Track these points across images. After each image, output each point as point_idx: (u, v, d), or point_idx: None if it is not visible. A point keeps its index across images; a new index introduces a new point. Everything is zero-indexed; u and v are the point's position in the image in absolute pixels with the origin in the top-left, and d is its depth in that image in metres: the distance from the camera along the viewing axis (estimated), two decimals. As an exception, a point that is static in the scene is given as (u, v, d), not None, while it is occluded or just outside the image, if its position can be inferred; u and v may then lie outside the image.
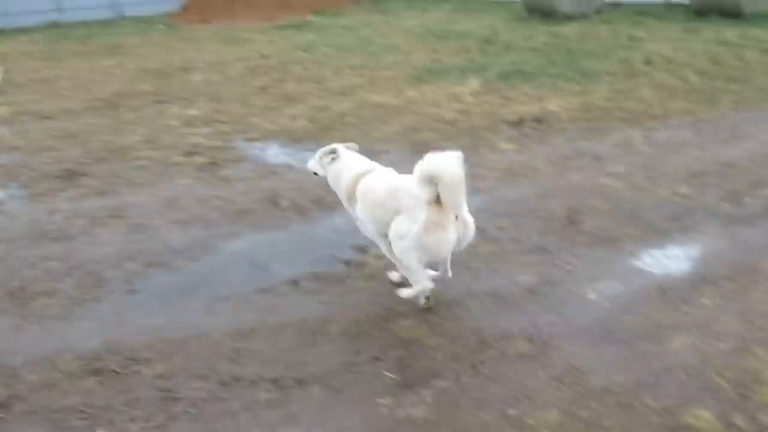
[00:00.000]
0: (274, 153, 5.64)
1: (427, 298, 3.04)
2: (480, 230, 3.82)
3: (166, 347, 2.90)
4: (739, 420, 2.30)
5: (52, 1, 16.80)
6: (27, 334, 3.07)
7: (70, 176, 5.25)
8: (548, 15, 11.62)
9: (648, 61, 8.04)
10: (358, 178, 3.19)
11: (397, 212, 2.90)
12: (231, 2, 17.03)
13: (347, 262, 3.59)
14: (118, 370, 2.75)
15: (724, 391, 2.46)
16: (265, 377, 2.67)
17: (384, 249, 3.18)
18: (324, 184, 3.60)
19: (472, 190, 4.41)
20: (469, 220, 2.93)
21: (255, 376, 2.68)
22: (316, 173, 3.56)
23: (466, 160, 5.04)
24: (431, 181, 2.73)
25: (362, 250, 3.69)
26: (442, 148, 5.26)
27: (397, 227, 2.87)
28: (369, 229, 3.20)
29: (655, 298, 3.14)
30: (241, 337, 2.95)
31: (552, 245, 3.67)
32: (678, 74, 7.45)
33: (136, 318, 3.17)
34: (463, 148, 5.26)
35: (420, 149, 5.37)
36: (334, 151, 3.41)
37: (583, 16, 11.36)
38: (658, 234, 3.78)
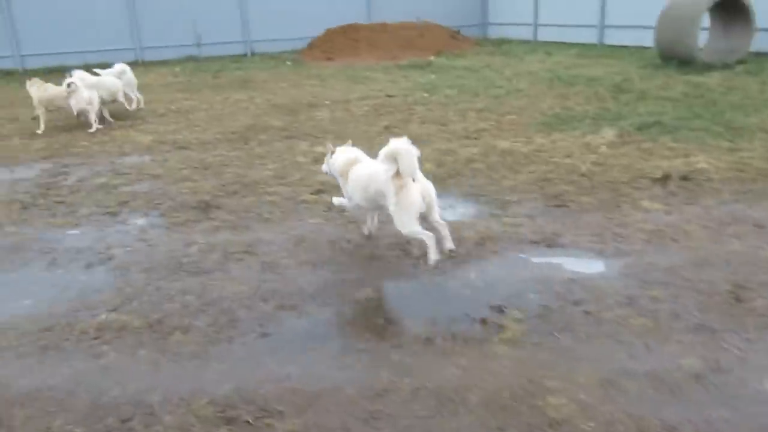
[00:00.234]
0: (402, 196, 5.53)
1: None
2: (629, 299, 3.53)
3: (298, 400, 2.79)
4: None
5: (191, 36, 17.97)
6: (163, 371, 3.07)
7: (205, 208, 5.41)
8: (685, 63, 10.96)
9: (807, 118, 7.32)
10: (349, 164, 4.25)
11: (374, 193, 3.94)
12: (355, 41, 17.51)
13: (484, 322, 3.36)
14: (251, 421, 2.66)
15: None
16: (403, 447, 2.49)
17: (355, 213, 4.60)
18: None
19: (617, 253, 4.13)
20: (425, 180, 3.88)
21: (391, 445, 2.50)
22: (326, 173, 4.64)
23: (607, 217, 4.74)
24: (392, 157, 3.73)
25: (500, 310, 3.47)
26: (579, 203, 5.04)
27: (391, 209, 3.79)
28: (354, 199, 4.21)
29: None
30: (376, 397, 2.80)
31: (717, 324, 3.26)
32: None
33: (269, 364, 3.10)
34: (602, 204, 5.01)
35: (555, 202, 5.15)
36: (332, 151, 4.49)
37: (725, 66, 10.62)
38: None
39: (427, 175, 6.00)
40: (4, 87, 14.43)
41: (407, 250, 4.31)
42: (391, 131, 7.97)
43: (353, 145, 4.55)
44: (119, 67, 9.74)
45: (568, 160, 6.20)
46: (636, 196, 5.19)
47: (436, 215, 3.89)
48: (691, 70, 10.58)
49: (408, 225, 3.75)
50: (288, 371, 3.03)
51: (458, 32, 18.57)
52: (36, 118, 9.08)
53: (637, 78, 10.38)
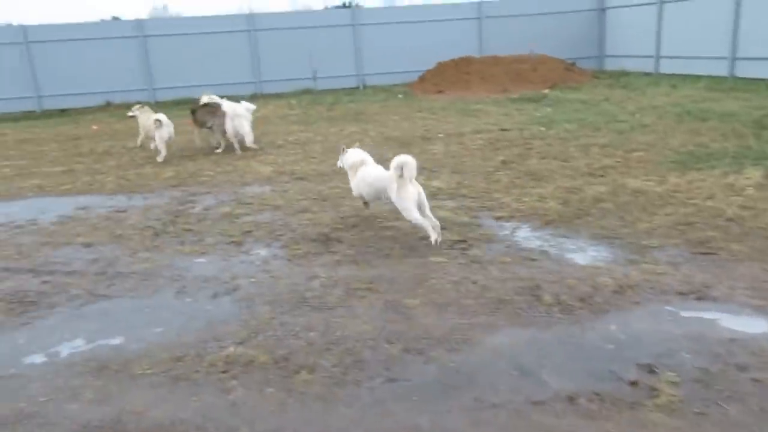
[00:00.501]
0: (526, 236, 5.28)
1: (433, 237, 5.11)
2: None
3: (432, 457, 2.60)
4: None
5: (307, 70, 18.61)
6: (291, 412, 2.98)
7: (325, 241, 5.40)
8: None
9: None
10: (357, 164, 5.77)
11: (377, 189, 5.49)
12: (466, 74, 17.46)
13: (634, 384, 3.03)
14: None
15: None
16: None
17: (362, 202, 6.00)
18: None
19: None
20: (418, 184, 5.14)
21: None
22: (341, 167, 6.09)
23: (765, 268, 4.24)
24: (400, 166, 4.98)
25: (650, 370, 3.12)
26: (730, 251, 4.56)
27: (395, 201, 5.16)
28: (358, 190, 5.79)
29: None
30: (517, 461, 2.55)
31: None
32: None
33: (397, 413, 2.93)
34: (758, 253, 4.49)
35: (701, 249, 4.69)
36: (344, 149, 6.03)
37: None
38: None
39: (553, 213, 5.77)
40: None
41: (538, 295, 4.05)
42: (508, 166, 7.74)
43: (361, 147, 6.15)
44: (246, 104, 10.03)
45: (710, 203, 5.69)
46: (797, 245, 4.64)
47: (428, 211, 5.13)
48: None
49: (410, 212, 5.05)
50: (418, 422, 2.85)
51: (574, 64, 18.07)
52: (144, 147, 10.21)
53: (780, 113, 9.54)
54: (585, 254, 4.78)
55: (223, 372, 3.35)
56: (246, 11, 18.79)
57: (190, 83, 17.72)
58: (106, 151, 10.86)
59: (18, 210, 7.11)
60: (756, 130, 8.57)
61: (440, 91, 16.90)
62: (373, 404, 3.02)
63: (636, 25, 18.23)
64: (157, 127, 9.49)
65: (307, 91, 18.61)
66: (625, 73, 17.52)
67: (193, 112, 10.20)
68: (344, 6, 37.85)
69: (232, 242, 5.54)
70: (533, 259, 4.69)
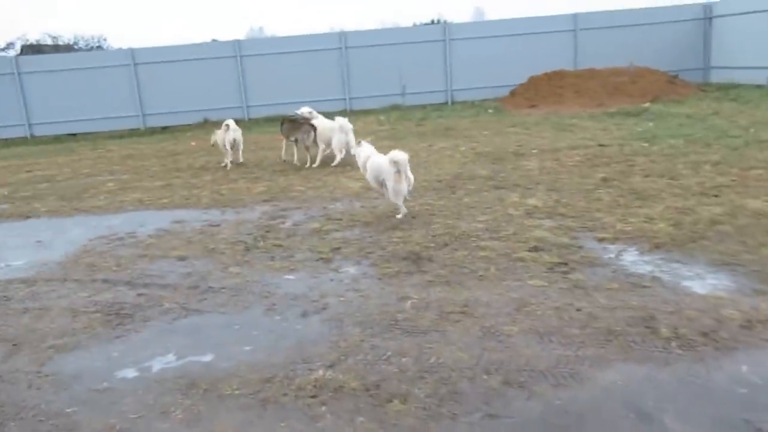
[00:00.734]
0: (634, 260, 4.86)
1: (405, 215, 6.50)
2: None
3: None
4: None
5: (395, 86, 18.64)
6: (383, 445, 2.78)
7: (416, 260, 5.20)
8: None
9: None
10: (366, 157, 6.89)
11: (377, 176, 6.65)
12: (559, 88, 16.89)
13: (776, 438, 2.62)
14: None
15: None
16: None
17: (376, 189, 6.96)
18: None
19: None
20: (411, 176, 6.33)
21: None
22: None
23: None
24: (395, 162, 6.11)
25: (796, 423, 2.69)
26: None
27: (390, 185, 6.32)
28: (368, 179, 6.91)
29: None
30: None
31: None
32: None
33: (499, 454, 2.66)
34: None
35: None
36: (359, 143, 7.32)
37: None
38: None
39: (663, 236, 5.30)
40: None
41: (654, 327, 3.66)
42: (610, 184, 7.28)
43: (371, 143, 7.45)
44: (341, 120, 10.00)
45: None
46: None
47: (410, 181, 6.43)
48: None
49: (396, 199, 6.41)
50: (522, 467, 2.57)
51: (677, 77, 17.08)
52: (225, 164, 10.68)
53: None
54: (704, 282, 4.32)
55: (312, 397, 3.20)
56: (336, 30, 19.05)
57: (282, 101, 18.12)
58: (202, 166, 11.20)
59: (119, 223, 7.37)
60: None
61: (532, 106, 16.42)
62: (472, 443, 2.77)
63: (747, 35, 17.01)
64: (225, 131, 10.36)
65: (395, 107, 18.61)
66: (734, 86, 16.35)
67: (282, 123, 10.39)
68: (433, 22, 37.93)
69: (321, 259, 5.45)
70: (644, 286, 4.29)
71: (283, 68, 18.79)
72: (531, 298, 4.24)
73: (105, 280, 5.27)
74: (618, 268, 4.71)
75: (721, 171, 7.40)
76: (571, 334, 3.67)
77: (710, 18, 18.71)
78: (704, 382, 3.11)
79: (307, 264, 5.35)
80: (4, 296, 5.09)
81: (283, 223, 6.78)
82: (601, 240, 5.37)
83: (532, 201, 6.77)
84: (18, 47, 39.84)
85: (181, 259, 5.73)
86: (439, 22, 35.83)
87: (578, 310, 3.98)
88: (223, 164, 10.76)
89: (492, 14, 65.72)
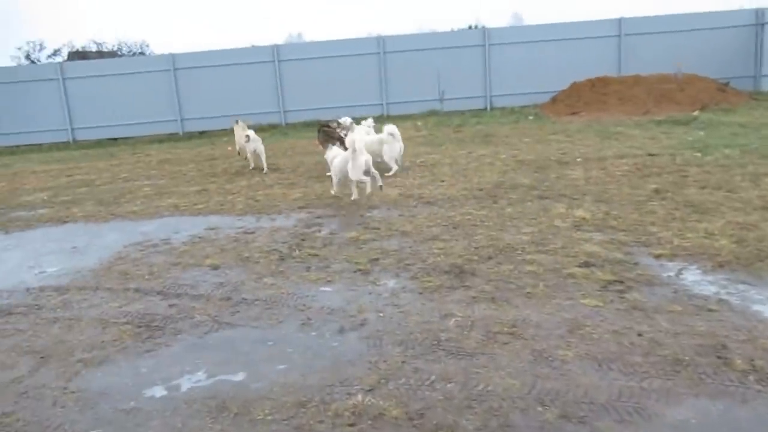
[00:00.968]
0: (696, 279, 4.49)
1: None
2: None
3: None
4: None
5: (433, 91, 18.39)
6: (429, 486, 2.51)
7: (459, 274, 4.92)
8: None
9: None
10: (334, 157, 8.21)
11: (342, 167, 7.83)
12: (603, 95, 16.41)
13: None
14: None
15: None
16: None
17: (341, 182, 8.07)
18: None
19: None
20: (367, 156, 7.69)
21: None
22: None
23: None
24: (352, 144, 7.44)
25: None
26: None
27: (349, 167, 7.62)
28: (337, 174, 8.07)
29: None
30: None
31: None
32: None
33: (559, 502, 2.37)
34: None
35: None
36: (329, 147, 8.76)
37: None
38: None
39: (726, 254, 4.89)
40: (269, 138, 15.91)
41: (726, 358, 3.31)
42: (663, 195, 6.88)
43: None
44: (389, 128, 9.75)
45: None
46: None
47: (370, 170, 7.57)
48: None
49: (356, 175, 7.52)
50: None
51: (727, 84, 16.43)
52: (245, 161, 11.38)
53: None
54: (777, 306, 3.94)
55: (351, 425, 2.95)
56: (373, 35, 18.91)
57: (320, 106, 18.05)
58: (238, 171, 11.11)
59: (154, 229, 7.27)
60: None
61: (574, 113, 15.98)
62: (528, 486, 2.48)
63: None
64: (246, 141, 10.97)
65: (432, 113, 18.36)
66: (789, 93, 15.67)
67: (318, 130, 10.21)
68: (470, 28, 37.55)
69: (359, 270, 5.21)
70: (711, 310, 3.93)
71: (320, 73, 18.72)
72: (585, 319, 3.92)
73: (137, 290, 5.13)
74: (679, 288, 4.35)
75: (785, 183, 6.95)
76: (634, 362, 3.35)
77: (762, 24, 17.99)
78: (790, 423, 2.76)
79: (344, 275, 5.12)
80: (36, 305, 4.98)
81: (319, 231, 6.58)
82: (657, 256, 5.01)
83: (579, 212, 6.43)
84: (65, 54, 40.86)
85: (214, 268, 5.56)
86: (476, 27, 35.45)
87: (639, 334, 3.65)
88: (251, 167, 11.26)
89: (530, 19, 64.95)
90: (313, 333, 4.05)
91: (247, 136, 10.94)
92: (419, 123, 16.37)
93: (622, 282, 4.51)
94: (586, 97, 16.66)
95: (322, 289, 4.86)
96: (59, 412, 3.28)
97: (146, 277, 5.46)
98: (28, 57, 40.58)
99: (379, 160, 9.85)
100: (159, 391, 3.44)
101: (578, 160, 9.51)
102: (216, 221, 7.38)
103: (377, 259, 5.46)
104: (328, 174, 9.67)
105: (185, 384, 3.50)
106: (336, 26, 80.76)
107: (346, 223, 6.81)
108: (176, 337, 4.13)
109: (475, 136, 13.45)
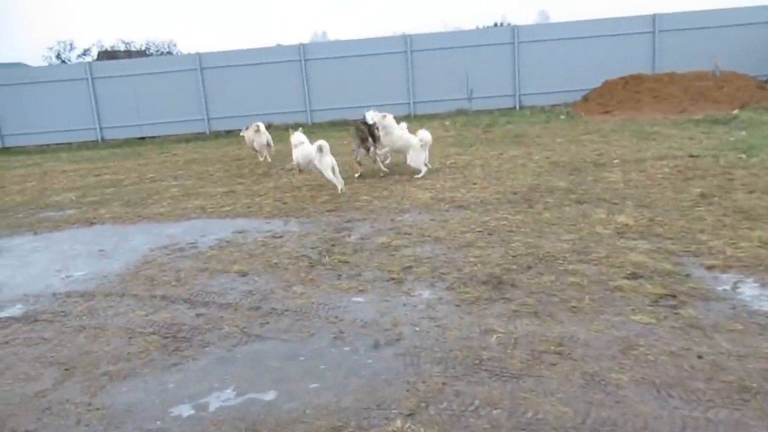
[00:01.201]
0: (755, 294, 4.19)
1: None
2: None
3: None
4: None
5: (461, 90, 18.09)
6: None
7: (497, 285, 4.68)
8: None
9: None
10: (299, 143, 9.06)
11: (308, 159, 8.77)
12: (636, 93, 15.98)
13: None
14: None
15: None
16: None
17: (302, 167, 9.19)
18: None
19: None
20: (332, 156, 8.41)
21: None
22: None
23: None
24: (319, 146, 8.20)
25: None
26: None
27: (317, 165, 8.45)
28: (298, 160, 8.98)
29: None
30: None
31: None
32: None
33: None
34: None
35: None
36: (291, 131, 9.33)
37: None
38: None
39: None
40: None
41: (801, 385, 3.02)
42: (709, 200, 6.56)
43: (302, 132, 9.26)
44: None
45: None
46: None
47: (337, 172, 8.38)
48: None
49: (327, 173, 8.33)
50: None
51: (767, 82, 15.86)
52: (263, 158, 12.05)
53: None
54: None
55: (389, 456, 2.74)
56: (398, 33, 18.67)
57: (346, 105, 17.88)
58: (265, 172, 10.98)
59: (181, 231, 7.14)
60: None
61: (607, 112, 15.58)
62: None
63: None
64: (256, 132, 11.78)
65: (460, 112, 18.07)
66: (833, 91, 15.06)
67: (355, 128, 10.01)
68: (495, 25, 37.09)
69: (392, 279, 4.99)
70: (774, 329, 3.64)
71: (347, 72, 18.56)
72: (638, 338, 3.65)
73: (163, 297, 4.98)
74: (737, 303, 4.05)
75: (840, 188, 6.56)
76: (696, 388, 3.08)
77: (805, 18, 17.37)
78: None
79: (376, 285, 4.91)
80: (62, 311, 4.86)
81: (349, 236, 6.38)
82: (710, 268, 4.71)
83: (621, 218, 6.13)
84: (94, 53, 41.36)
85: (243, 274, 5.40)
86: (502, 24, 35.00)
87: (699, 357, 3.38)
88: (262, 158, 12.18)
89: (556, 17, 64.07)
90: (347, 348, 3.85)
91: (258, 125, 11.89)
92: (447, 123, 16.10)
93: (674, 296, 4.23)
94: (619, 95, 16.24)
95: (354, 299, 4.65)
96: (83, 431, 3.13)
97: (173, 283, 5.32)
98: (58, 56, 41.20)
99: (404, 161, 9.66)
100: (186, 410, 3.26)
101: (615, 161, 9.18)
102: (243, 224, 7.23)
103: (410, 267, 5.24)
104: (356, 176, 9.48)
105: (213, 403, 3.32)
106: (360, 25, 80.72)
107: (376, 228, 6.60)
108: (204, 350, 3.96)
109: (505, 136, 13.15)
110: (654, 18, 17.78)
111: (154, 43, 45.20)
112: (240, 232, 6.85)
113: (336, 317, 4.32)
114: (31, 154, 18.36)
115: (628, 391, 3.10)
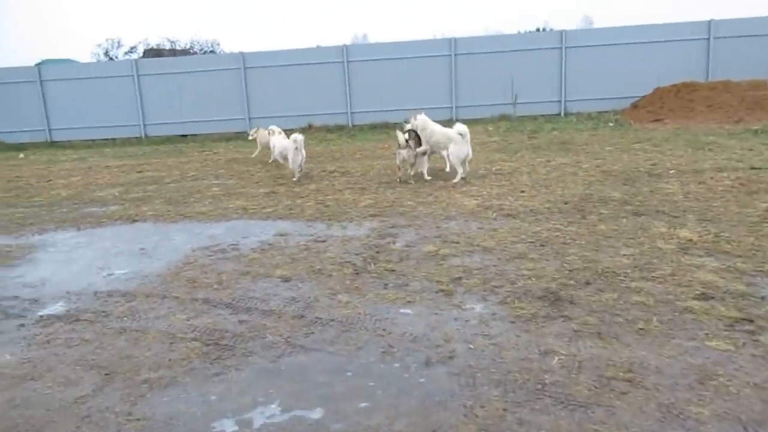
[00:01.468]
0: (842, 322, 3.83)
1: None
2: None
3: None
4: None
5: (504, 95, 17.73)
6: None
7: (554, 301, 4.40)
8: None
9: None
10: (275, 138, 11.77)
11: (283, 152, 10.86)
12: (689, 101, 15.40)
13: None
14: None
15: None
16: None
17: (281, 161, 11.43)
18: None
19: None
20: (304, 151, 9.90)
21: None
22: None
23: None
24: (294, 142, 9.56)
25: None
26: None
27: (290, 158, 9.97)
28: (275, 154, 11.62)
29: None
30: None
31: None
32: None
33: None
34: None
35: None
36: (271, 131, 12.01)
37: None
38: None
39: None
40: (337, 140, 15.67)
41: None
42: (779, 217, 6.13)
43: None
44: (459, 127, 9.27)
45: None
46: None
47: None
48: None
49: (294, 165, 9.69)
50: None
51: (830, 92, 15.12)
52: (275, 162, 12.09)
53: None
54: None
55: (449, 490, 2.51)
56: (439, 37, 18.41)
57: (387, 107, 17.70)
58: (306, 173, 10.85)
59: (222, 232, 7.03)
60: None
61: (657, 120, 15.06)
62: None
63: None
64: (270, 133, 12.26)
65: (504, 117, 17.72)
66: None
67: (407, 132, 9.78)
68: (538, 30, 36.48)
69: (441, 291, 4.76)
70: None
71: (389, 75, 18.39)
72: (716, 367, 3.35)
73: (205, 300, 4.84)
74: (824, 332, 3.71)
75: None
76: (789, 429, 2.77)
77: None
78: None
79: (425, 296, 4.68)
80: (104, 311, 4.76)
81: (394, 242, 6.17)
82: (787, 290, 4.35)
83: (684, 233, 5.78)
84: (140, 51, 42.12)
85: (286, 280, 5.23)
86: (544, 30, 34.42)
87: (788, 392, 3.06)
88: (270, 160, 12.41)
89: (600, 22, 62.94)
90: (396, 364, 3.63)
91: (271, 129, 12.32)
92: (490, 128, 15.79)
93: (751, 321, 3.90)
94: (671, 103, 15.68)
95: (402, 310, 4.43)
96: (122, 445, 2.98)
97: (214, 286, 5.18)
98: (106, 54, 42.07)
99: (443, 154, 9.43)
100: (229, 425, 3.09)
101: (671, 172, 8.78)
102: (285, 227, 7.09)
103: (460, 279, 5.00)
104: (397, 180, 9.27)
105: (258, 419, 3.13)
106: (399, 29, 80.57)
107: (421, 235, 6.38)
108: (247, 360, 3.79)
109: (551, 142, 12.79)
110: (709, 24, 17.15)
111: (198, 42, 45.81)
112: (282, 235, 6.70)
113: (384, 330, 4.11)
114: (77, 149, 18.67)
115: (711, 428, 2.81)
